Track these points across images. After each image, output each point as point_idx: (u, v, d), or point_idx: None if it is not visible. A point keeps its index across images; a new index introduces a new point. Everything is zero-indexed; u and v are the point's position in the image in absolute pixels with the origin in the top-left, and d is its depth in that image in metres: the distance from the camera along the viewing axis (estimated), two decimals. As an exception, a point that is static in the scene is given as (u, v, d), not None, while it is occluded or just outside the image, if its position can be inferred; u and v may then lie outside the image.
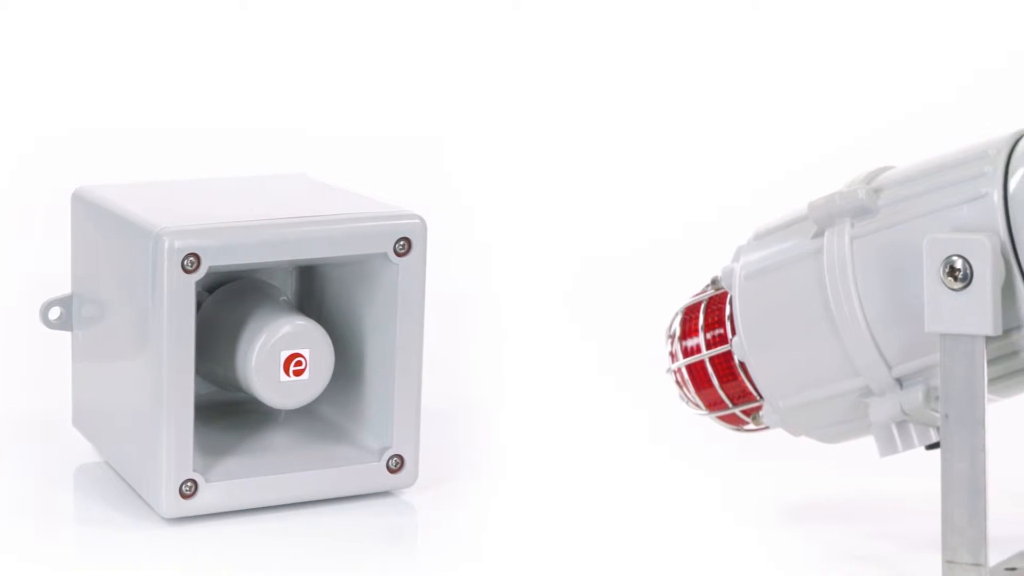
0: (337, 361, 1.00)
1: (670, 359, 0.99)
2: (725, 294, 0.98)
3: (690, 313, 0.99)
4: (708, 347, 0.97)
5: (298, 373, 0.98)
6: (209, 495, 0.96)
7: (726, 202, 1.40)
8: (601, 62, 1.56)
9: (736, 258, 0.97)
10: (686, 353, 0.98)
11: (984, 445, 0.85)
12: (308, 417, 1.04)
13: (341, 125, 1.55)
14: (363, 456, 1.00)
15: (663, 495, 1.05)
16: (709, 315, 0.98)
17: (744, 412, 0.97)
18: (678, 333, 0.99)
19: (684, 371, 0.98)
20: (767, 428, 0.98)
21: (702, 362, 0.97)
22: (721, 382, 0.96)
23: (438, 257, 1.03)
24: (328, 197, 1.06)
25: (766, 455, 1.05)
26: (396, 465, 1.00)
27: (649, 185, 1.51)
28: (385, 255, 0.98)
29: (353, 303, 1.01)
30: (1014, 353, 0.86)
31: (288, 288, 1.07)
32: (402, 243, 0.98)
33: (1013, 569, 0.90)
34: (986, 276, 0.84)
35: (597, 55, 1.56)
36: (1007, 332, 0.85)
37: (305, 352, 0.98)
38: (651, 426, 1.17)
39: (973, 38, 1.52)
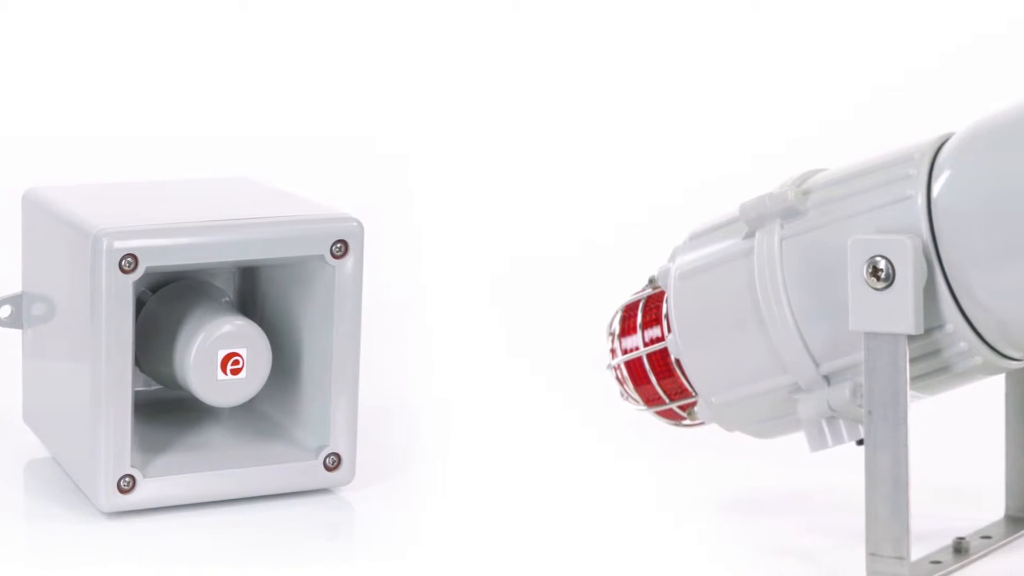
0: (276, 360, 1.03)
1: (610, 356, 1.02)
2: (663, 293, 1.00)
3: (629, 311, 1.02)
4: (646, 344, 0.99)
5: (235, 372, 1.00)
6: (146, 490, 0.98)
7: (665, 202, 1.43)
8: (533, 63, 1.59)
9: (672, 258, 0.99)
10: (625, 350, 1.00)
11: (906, 441, 0.88)
12: (248, 415, 1.07)
13: (291, 127, 1.57)
14: (301, 454, 1.02)
15: (600, 490, 1.08)
16: (647, 313, 1.01)
17: (681, 408, 1.00)
18: (617, 331, 1.02)
19: (623, 368, 1.00)
20: (704, 423, 1.02)
21: (640, 359, 1.00)
22: (658, 378, 0.99)
23: (378, 257, 1.06)
24: (267, 200, 1.08)
25: (705, 450, 1.08)
26: (333, 463, 1.02)
27: (587, 186, 1.54)
28: (322, 257, 1.00)
29: (292, 304, 1.04)
30: (935, 352, 0.89)
31: (230, 288, 1.10)
32: (339, 245, 1.00)
33: (938, 562, 0.93)
34: (908, 276, 0.87)
35: (529, 57, 1.59)
36: (929, 331, 0.88)
37: (242, 351, 1.00)
38: (589, 422, 1.20)
39: (905, 42, 1.56)
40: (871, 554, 0.89)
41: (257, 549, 0.97)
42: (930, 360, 0.90)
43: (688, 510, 1.03)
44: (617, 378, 1.01)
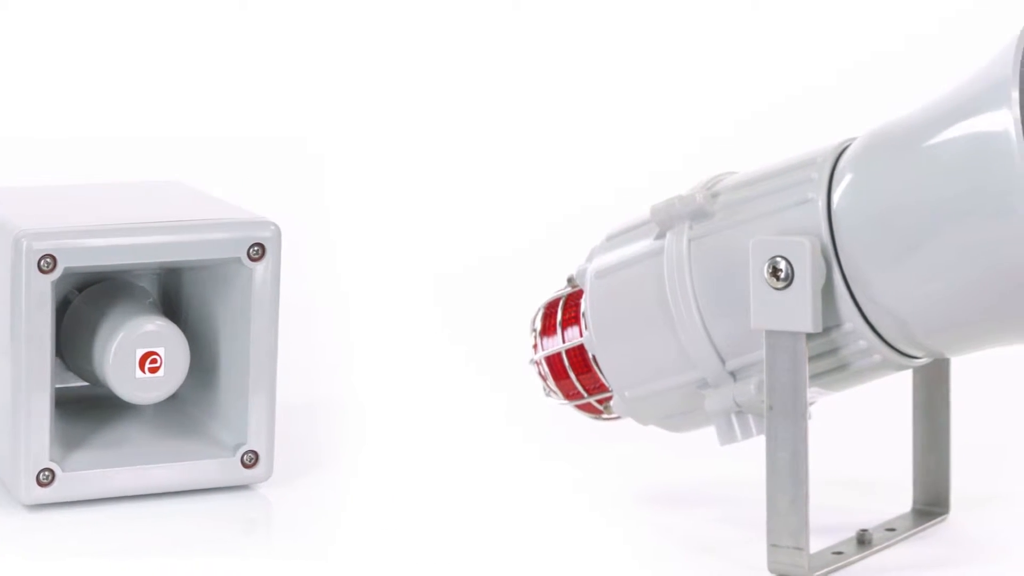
0: (197, 359, 1.07)
1: (533, 351, 1.05)
2: (581, 291, 1.05)
3: (550, 309, 1.05)
4: (564, 341, 1.03)
5: (153, 370, 1.04)
6: (66, 484, 1.02)
7: (587, 203, 1.47)
8: (454, 69, 1.62)
9: (589, 259, 1.03)
10: (546, 346, 1.04)
11: (805, 436, 0.91)
12: (169, 412, 1.10)
13: (230, 129, 1.60)
14: (218, 451, 1.06)
15: (521, 484, 1.11)
16: (567, 311, 1.05)
17: (599, 402, 1.04)
18: (539, 328, 1.05)
19: (544, 363, 1.04)
20: (621, 417, 1.06)
21: (559, 354, 1.03)
22: (577, 374, 1.03)
23: (302, 258, 1.10)
24: (189, 203, 1.13)
25: (625, 443, 1.12)
26: (251, 460, 1.06)
27: (508, 187, 1.57)
28: (239, 260, 1.04)
29: (211, 304, 1.08)
30: (835, 350, 0.93)
31: (155, 289, 1.13)
32: (256, 248, 1.04)
33: (840, 553, 0.96)
34: (806, 276, 0.90)
35: (451, 62, 1.62)
36: (827, 330, 0.92)
37: (160, 350, 1.04)
38: (511, 418, 1.24)
39: (824, 44, 1.60)
40: (772, 545, 0.92)
41: (174, 543, 1.00)
42: (830, 358, 0.93)
43: (606, 502, 1.07)
44: (539, 373, 1.05)
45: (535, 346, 1.05)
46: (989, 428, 1.20)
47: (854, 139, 0.95)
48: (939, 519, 1.02)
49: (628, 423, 1.04)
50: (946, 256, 0.87)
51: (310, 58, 1.61)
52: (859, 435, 1.18)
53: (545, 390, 1.05)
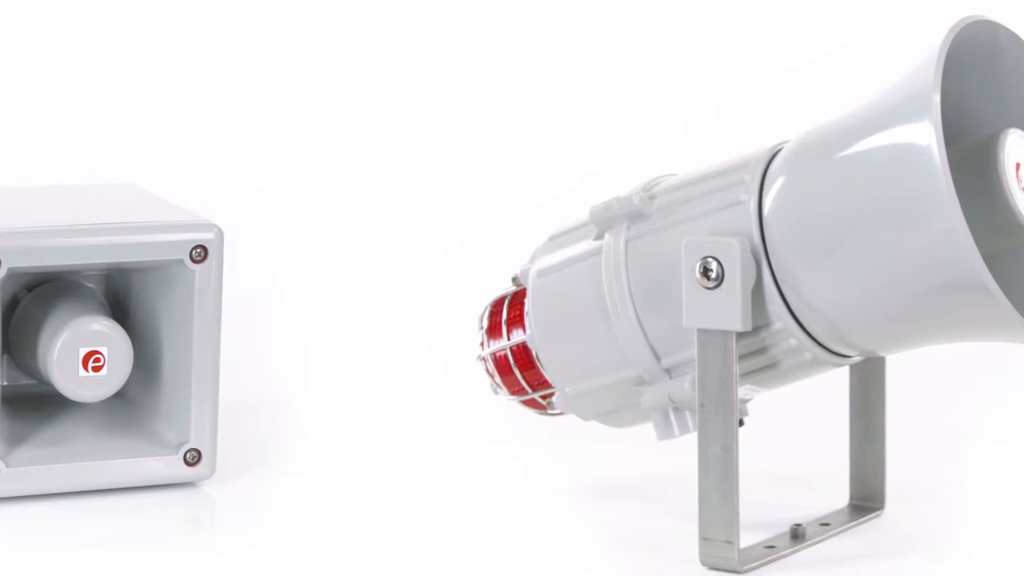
0: (142, 358, 1.10)
1: (480, 348, 1.08)
2: (526, 290, 1.08)
3: (496, 307, 1.08)
4: (509, 338, 1.06)
5: (96, 369, 1.07)
6: (10, 479, 1.05)
7: (531, 203, 1.49)
8: (401, 67, 1.64)
9: (533, 259, 1.06)
10: (491, 343, 1.07)
11: (735, 432, 0.94)
12: (114, 410, 1.13)
13: (183, 134, 1.63)
14: (161, 449, 1.09)
15: (465, 477, 1.14)
16: (512, 309, 1.07)
17: (543, 398, 1.07)
18: (485, 325, 1.08)
19: (490, 360, 1.07)
20: (564, 413, 1.08)
21: (504, 352, 1.06)
22: (521, 370, 1.06)
23: (248, 259, 1.13)
24: (138, 206, 1.16)
25: (573, 437, 1.15)
26: (193, 458, 1.09)
27: (451, 189, 1.60)
28: (182, 261, 1.07)
29: (155, 305, 1.11)
30: (765, 348, 0.96)
31: (102, 289, 1.16)
32: (198, 251, 1.07)
33: (772, 547, 0.99)
34: (736, 276, 0.93)
35: (398, 60, 1.64)
36: (757, 329, 0.95)
37: (103, 350, 1.07)
38: (458, 413, 1.27)
39: (770, 46, 1.62)
40: (703, 538, 0.95)
41: (117, 539, 1.03)
42: (761, 356, 0.96)
43: (549, 496, 1.10)
44: (487, 370, 1.08)
45: (482, 343, 1.08)
46: (924, 425, 1.23)
47: (787, 142, 0.98)
48: (874, 514, 1.05)
49: (573, 419, 1.07)
50: (864, 260, 0.91)
51: (261, 59, 1.63)
52: (798, 432, 1.21)
53: (492, 386, 1.08)
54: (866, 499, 1.06)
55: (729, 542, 0.95)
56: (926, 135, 0.87)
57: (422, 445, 1.22)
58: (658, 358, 0.99)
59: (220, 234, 1.08)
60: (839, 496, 1.06)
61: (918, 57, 0.91)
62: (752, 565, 0.96)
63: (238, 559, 1.00)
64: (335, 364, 1.40)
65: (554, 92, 1.61)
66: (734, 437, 0.94)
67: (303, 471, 1.16)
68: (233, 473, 1.12)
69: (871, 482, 1.06)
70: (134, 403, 1.13)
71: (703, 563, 0.95)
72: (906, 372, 1.10)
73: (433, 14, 1.65)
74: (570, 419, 1.06)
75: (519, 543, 1.02)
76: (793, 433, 1.21)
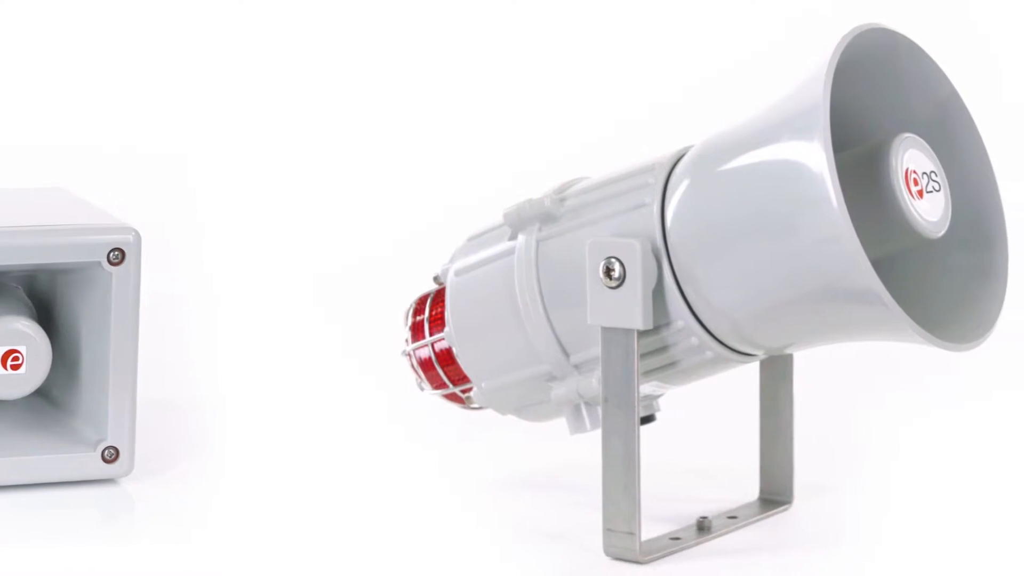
0: (63, 357, 1.14)
1: (405, 344, 1.13)
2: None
3: (420, 304, 1.12)
4: (431, 335, 1.11)
5: (15, 367, 1.12)
6: (-73, 475, 1.09)
7: (455, 203, 1.53)
8: (317, 75, 1.68)
9: (452, 259, 1.10)
10: (415, 339, 1.12)
11: (637, 426, 0.98)
12: (36, 408, 1.17)
13: (124, 141, 1.66)
14: (79, 446, 1.13)
15: (385, 471, 1.18)
16: (434, 307, 1.12)
17: (463, 392, 1.11)
18: (410, 322, 1.13)
19: (413, 355, 1.12)
20: (484, 408, 1.13)
21: (426, 347, 1.11)
22: (442, 365, 1.10)
23: (173, 260, 1.17)
24: (59, 209, 1.20)
25: (497, 432, 1.18)
26: (111, 456, 1.13)
27: (376, 189, 1.63)
28: (99, 264, 1.11)
29: (76, 306, 1.15)
30: (668, 347, 1.00)
31: (26, 289, 1.20)
32: (115, 253, 1.11)
33: (677, 539, 1.04)
34: (637, 276, 0.97)
35: (313, 68, 1.68)
36: (659, 327, 0.99)
37: (22, 349, 1.12)
38: (379, 409, 1.31)
39: (687, 49, 1.67)
40: (607, 529, 1.00)
41: (35, 534, 1.06)
42: (663, 354, 1.00)
43: (468, 489, 1.14)
44: (411, 365, 1.12)
45: (407, 339, 1.12)
46: (830, 421, 1.27)
47: (692, 146, 1.02)
48: (782, 508, 1.09)
49: (494, 413, 1.10)
50: (760, 265, 0.95)
51: (186, 63, 1.67)
52: (711, 426, 1.25)
53: (417, 382, 1.13)
54: (775, 493, 1.10)
55: (631, 533, 0.99)
56: (815, 150, 0.91)
57: (342, 441, 1.26)
58: (567, 355, 1.03)
59: (138, 237, 1.12)
60: (750, 490, 1.10)
61: (812, 65, 0.95)
62: (654, 556, 1.00)
63: (155, 554, 1.03)
64: (254, 363, 1.44)
65: (479, 95, 1.64)
66: (636, 432, 0.98)
67: (221, 469, 1.20)
68: (152, 470, 1.16)
69: (780, 476, 1.10)
70: (55, 401, 1.17)
71: (607, 553, 1.00)
72: (814, 368, 1.15)
73: (359, 19, 1.68)
74: (491, 413, 1.10)
75: (431, 534, 1.06)
76: (706, 428, 1.25)
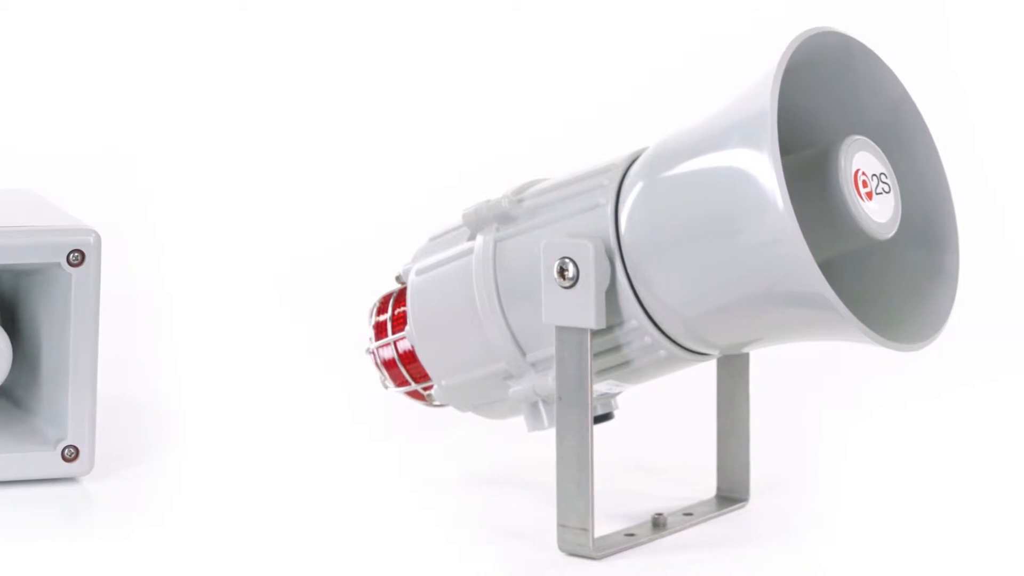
0: (25, 357, 1.16)
1: (369, 342, 1.15)
2: (410, 287, 1.15)
3: (384, 303, 1.14)
4: (394, 333, 1.13)
5: None
6: None
7: (418, 203, 1.54)
8: (272, 72, 1.68)
9: (414, 259, 1.13)
10: (378, 338, 1.14)
11: (590, 424, 1.00)
12: (-1, 406, 1.20)
13: (85, 144, 1.67)
14: (40, 445, 1.15)
15: (346, 468, 1.21)
16: (397, 305, 1.14)
17: (424, 390, 1.13)
18: (373, 320, 1.15)
19: (377, 353, 1.14)
20: (445, 405, 1.15)
21: (389, 345, 1.13)
22: (404, 364, 1.12)
23: (135, 261, 1.19)
24: (23, 210, 1.22)
25: (461, 429, 1.21)
26: (71, 455, 1.15)
27: (342, 189, 1.65)
28: (59, 265, 1.13)
29: (37, 306, 1.17)
30: (620, 346, 1.02)
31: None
32: (75, 255, 1.13)
33: (632, 535, 1.06)
34: (590, 276, 0.99)
35: (267, 65, 1.68)
36: (612, 327, 1.01)
37: None
38: (343, 406, 1.34)
39: (644, 46, 1.68)
40: (561, 525, 1.02)
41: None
42: (617, 353, 1.02)
43: (428, 486, 1.16)
44: (375, 363, 1.14)
45: (371, 338, 1.14)
46: (787, 418, 1.30)
47: (647, 148, 1.04)
48: (738, 505, 1.11)
49: (455, 410, 1.12)
50: (711, 268, 0.97)
51: (143, 63, 1.67)
52: (668, 424, 1.28)
53: (381, 379, 1.14)
54: (732, 490, 1.12)
55: (584, 529, 1.01)
56: (762, 156, 0.93)
57: (304, 439, 1.28)
58: (523, 353, 1.05)
59: (98, 239, 1.13)
60: (708, 488, 1.12)
61: (763, 68, 0.97)
62: (608, 552, 1.02)
63: (115, 551, 1.05)
64: (216, 363, 1.46)
65: (442, 95, 1.65)
66: (589, 429, 1.00)
67: (181, 468, 1.22)
68: (112, 469, 1.18)
69: (736, 474, 1.12)
70: (16, 401, 1.19)
71: (561, 549, 1.01)
72: (771, 366, 1.17)
73: (314, 18, 1.69)
74: (453, 411, 1.12)
75: (389, 531, 1.08)
76: (664, 426, 1.27)
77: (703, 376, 1.12)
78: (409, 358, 1.12)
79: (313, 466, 1.22)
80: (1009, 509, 1.12)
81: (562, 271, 1.00)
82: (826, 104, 1.03)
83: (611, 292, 1.00)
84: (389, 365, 1.13)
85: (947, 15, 1.60)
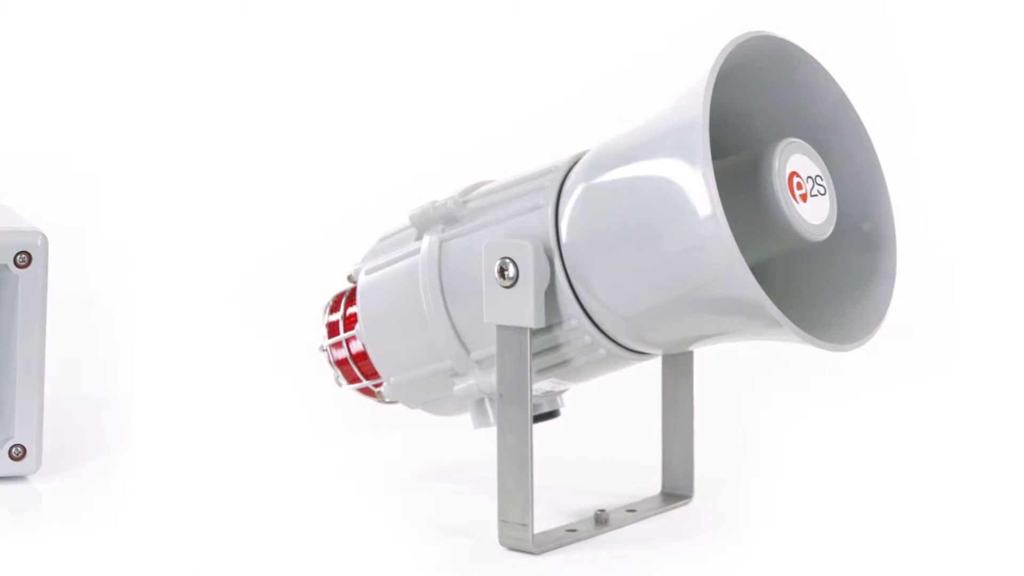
0: (-29, 357, 1.18)
1: (323, 340, 1.17)
2: (363, 286, 1.17)
3: (336, 302, 1.17)
4: (346, 331, 1.15)
5: None
6: None
7: (369, 203, 1.56)
8: (225, 73, 1.70)
9: (365, 259, 1.15)
10: (330, 336, 1.16)
11: (530, 422, 1.02)
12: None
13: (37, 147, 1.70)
14: (-13, 444, 1.18)
15: (296, 466, 1.23)
16: (349, 304, 1.16)
17: (375, 387, 1.15)
18: (327, 319, 1.17)
19: (330, 351, 1.16)
20: (396, 402, 1.17)
21: (340, 343, 1.15)
22: (356, 361, 1.15)
23: (86, 257, 1.21)
24: None
25: (414, 426, 1.23)
26: (18, 453, 1.17)
27: (293, 190, 1.67)
28: (6, 266, 1.16)
29: (-15, 307, 1.19)
30: (560, 345, 1.04)
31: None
32: (22, 256, 1.16)
33: (574, 531, 1.08)
34: (529, 276, 1.01)
35: (221, 66, 1.70)
36: (551, 327, 1.03)
37: None
38: (295, 404, 1.37)
39: (594, 48, 1.71)
40: (502, 521, 1.04)
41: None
42: (557, 351, 1.05)
43: (375, 483, 1.19)
44: (328, 360, 1.17)
45: (325, 336, 1.17)
46: (733, 417, 1.33)
47: (588, 151, 1.06)
48: (682, 502, 1.14)
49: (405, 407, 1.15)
50: (638, 268, 0.99)
51: (93, 63, 1.69)
52: (615, 422, 1.30)
53: (335, 377, 1.17)
54: (676, 487, 1.15)
55: (524, 525, 1.03)
56: (692, 163, 0.95)
57: (254, 439, 1.30)
58: (468, 351, 1.07)
59: (45, 241, 1.16)
60: (653, 485, 1.14)
61: (699, 72, 1.00)
62: (548, 547, 1.04)
63: (62, 550, 1.06)
64: (166, 362, 1.49)
65: (394, 97, 1.67)
66: (528, 426, 1.03)
67: (130, 467, 1.24)
68: (60, 468, 1.20)
69: (680, 471, 1.15)
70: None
71: (501, 544, 1.04)
72: (715, 366, 1.20)
73: (262, 20, 1.71)
74: (403, 407, 1.15)
75: (336, 526, 1.10)
76: (610, 423, 1.30)
77: (648, 375, 1.14)
78: (360, 356, 1.14)
79: (264, 465, 1.24)
80: (938, 502, 1.15)
81: (502, 271, 1.03)
82: (765, 106, 1.06)
83: (551, 292, 1.03)
84: (341, 363, 1.16)
85: (888, 18, 1.63)
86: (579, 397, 1.13)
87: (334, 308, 1.16)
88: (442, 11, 1.67)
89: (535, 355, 1.04)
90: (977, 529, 1.09)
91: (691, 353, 1.14)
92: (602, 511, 1.10)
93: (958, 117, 1.62)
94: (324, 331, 1.16)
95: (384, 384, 1.13)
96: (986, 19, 1.62)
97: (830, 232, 1.03)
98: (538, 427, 1.07)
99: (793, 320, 0.98)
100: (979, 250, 1.60)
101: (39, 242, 1.16)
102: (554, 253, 1.03)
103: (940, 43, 1.63)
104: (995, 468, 1.23)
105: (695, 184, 0.95)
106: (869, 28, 1.60)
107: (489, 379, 1.07)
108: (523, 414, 1.03)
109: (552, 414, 1.12)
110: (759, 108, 1.06)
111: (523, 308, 1.02)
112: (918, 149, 1.59)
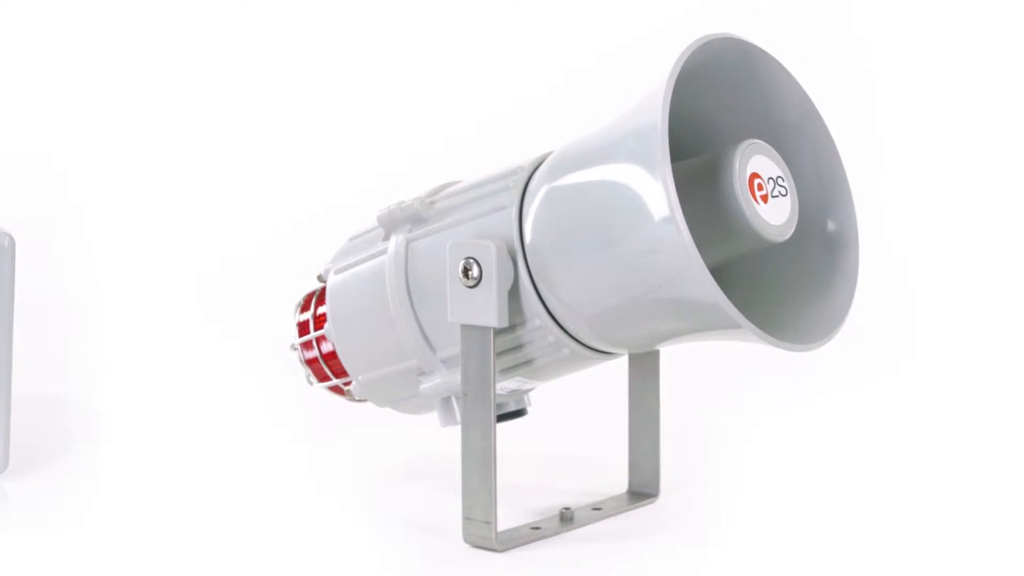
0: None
1: (293, 339, 1.18)
2: (333, 286, 1.19)
3: (307, 301, 1.18)
4: (316, 330, 1.16)
5: None
6: None
7: (341, 203, 1.56)
8: (194, 75, 1.70)
9: (334, 259, 1.16)
10: (301, 334, 1.17)
11: (494, 420, 1.04)
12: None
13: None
14: (-48, 444, 1.18)
15: (263, 465, 1.25)
16: (319, 303, 1.17)
17: (345, 385, 1.17)
18: (297, 318, 1.18)
19: (300, 350, 1.17)
20: (366, 400, 1.18)
21: (310, 342, 1.17)
22: (325, 359, 1.16)
23: (53, 258, 1.22)
24: None
25: (385, 425, 1.24)
26: None
27: (263, 189, 1.68)
28: None
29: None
30: (524, 344, 1.05)
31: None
32: None
33: (537, 528, 1.09)
34: (492, 276, 1.03)
35: (189, 68, 1.70)
36: (515, 326, 1.04)
37: None
38: (265, 402, 1.38)
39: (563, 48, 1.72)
40: (466, 518, 1.05)
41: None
42: (521, 351, 1.06)
43: (346, 480, 1.20)
44: (299, 359, 1.18)
45: (296, 335, 1.18)
46: (698, 416, 1.35)
47: (553, 152, 1.07)
48: (648, 500, 1.15)
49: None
50: (599, 270, 1.00)
51: (66, 65, 1.69)
52: (582, 421, 1.31)
53: (306, 375, 1.18)
54: (642, 486, 1.16)
55: (488, 522, 1.04)
56: (652, 167, 0.96)
57: (221, 438, 1.32)
58: (434, 350, 1.08)
59: (12, 241, 1.17)
60: (619, 483, 1.16)
61: (659, 74, 1.01)
62: (512, 544, 1.06)
63: (29, 549, 1.07)
64: (135, 362, 1.50)
65: (362, 96, 1.68)
66: (492, 425, 1.04)
67: (97, 467, 1.25)
68: (27, 467, 1.21)
69: (647, 470, 1.16)
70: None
71: (465, 540, 1.05)
72: (681, 366, 1.21)
73: (229, 19, 1.71)
74: (372, 406, 1.16)
75: (304, 524, 1.12)
76: (577, 422, 1.31)
77: (615, 374, 1.15)
78: (330, 355, 1.16)
79: (231, 464, 1.25)
80: (902, 498, 1.16)
81: (466, 271, 1.04)
82: (728, 106, 1.07)
83: (514, 292, 1.04)
84: (311, 362, 1.17)
85: (850, 18, 1.64)
86: (546, 396, 1.15)
87: (304, 307, 1.18)
88: (410, 13, 1.68)
89: (499, 354, 1.05)
90: (940, 524, 1.10)
91: (658, 352, 1.15)
92: (567, 509, 1.11)
93: (920, 116, 1.63)
94: (295, 330, 1.18)
95: (353, 383, 1.15)
96: (948, 20, 1.63)
97: (791, 233, 1.04)
98: (505, 425, 1.09)
99: (758, 320, 1.00)
100: (941, 248, 1.61)
101: (6, 243, 1.17)
102: (518, 253, 1.04)
103: (902, 43, 1.65)
104: (957, 464, 1.24)
105: (654, 188, 0.96)
106: (832, 29, 1.61)
107: (455, 378, 1.08)
108: (487, 412, 1.04)
109: (519, 412, 1.14)
110: (722, 108, 1.07)
111: (487, 308, 1.03)
112: (881, 148, 1.60)
